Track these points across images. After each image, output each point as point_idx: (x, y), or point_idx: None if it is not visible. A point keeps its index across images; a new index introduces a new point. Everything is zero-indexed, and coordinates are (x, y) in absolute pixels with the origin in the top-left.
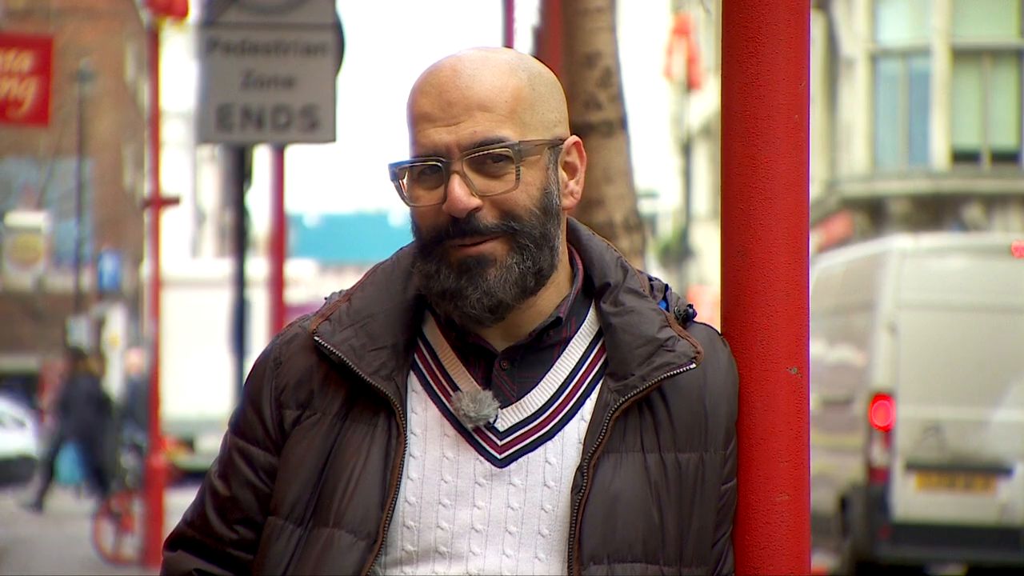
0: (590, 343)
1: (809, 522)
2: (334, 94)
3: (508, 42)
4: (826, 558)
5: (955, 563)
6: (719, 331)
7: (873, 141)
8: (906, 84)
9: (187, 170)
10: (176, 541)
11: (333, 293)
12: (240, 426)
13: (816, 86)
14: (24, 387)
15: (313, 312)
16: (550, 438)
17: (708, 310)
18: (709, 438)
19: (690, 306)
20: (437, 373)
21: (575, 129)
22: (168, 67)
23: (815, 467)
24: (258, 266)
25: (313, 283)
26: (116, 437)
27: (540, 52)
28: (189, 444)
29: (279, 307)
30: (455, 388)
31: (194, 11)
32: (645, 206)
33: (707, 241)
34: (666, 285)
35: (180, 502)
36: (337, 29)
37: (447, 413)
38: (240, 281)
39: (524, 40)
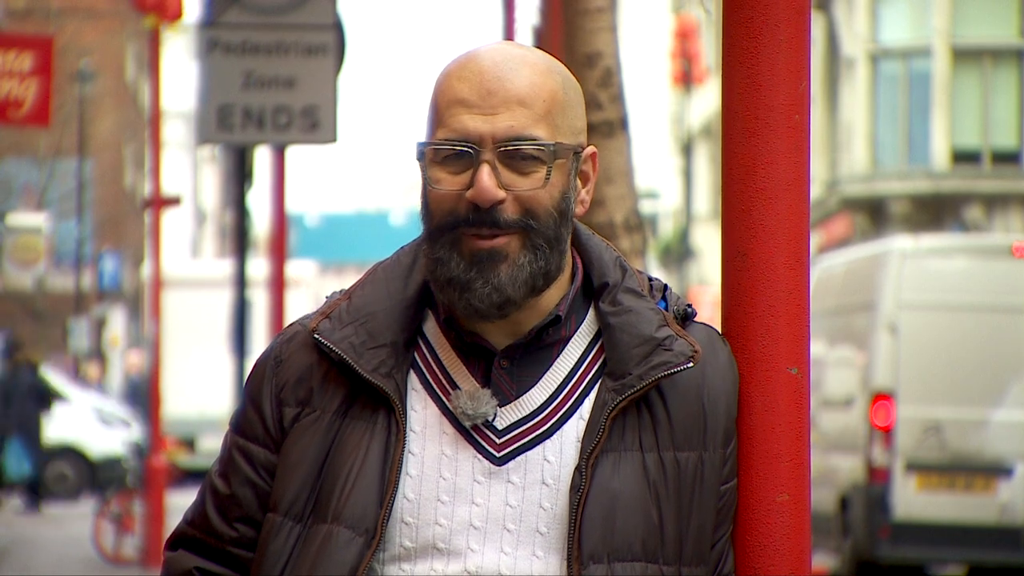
0: (589, 343)
1: (809, 522)
2: (335, 94)
3: None
4: (826, 558)
5: (955, 563)
6: (719, 331)
7: (873, 141)
8: (906, 84)
9: (187, 170)
10: (177, 540)
11: (334, 292)
12: (241, 424)
13: (816, 86)
14: None
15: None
16: (548, 437)
17: (708, 310)
18: (708, 437)
19: (689, 306)
20: (437, 371)
21: None
22: (169, 67)
23: (815, 467)
24: (258, 266)
25: (314, 283)
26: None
27: None
28: (190, 444)
29: (279, 307)
30: (454, 386)
31: (190, 13)
32: (645, 206)
33: (707, 241)
34: (665, 285)
35: (180, 502)
36: (338, 29)
37: (446, 411)
38: (240, 281)
39: (524, 40)
